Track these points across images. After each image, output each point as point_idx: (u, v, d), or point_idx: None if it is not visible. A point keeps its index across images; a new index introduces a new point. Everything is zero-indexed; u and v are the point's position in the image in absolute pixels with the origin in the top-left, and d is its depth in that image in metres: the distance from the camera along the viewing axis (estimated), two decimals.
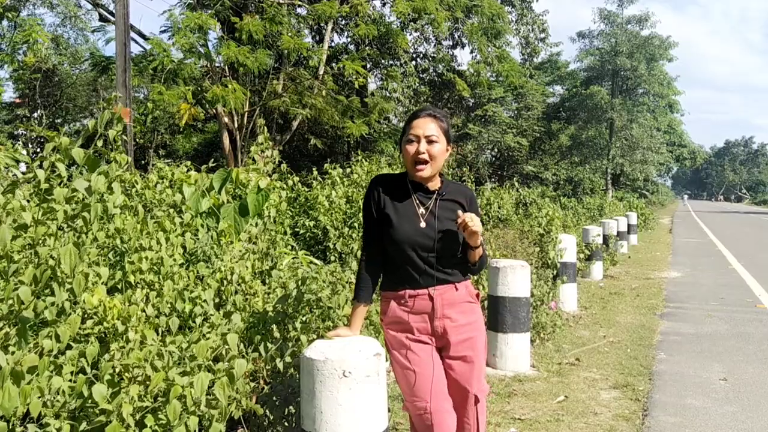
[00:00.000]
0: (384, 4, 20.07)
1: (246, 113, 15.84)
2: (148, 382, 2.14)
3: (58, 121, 28.20)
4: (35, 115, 27.02)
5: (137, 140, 25.96)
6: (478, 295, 2.61)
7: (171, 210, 3.90)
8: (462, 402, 2.51)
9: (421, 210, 2.45)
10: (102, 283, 2.63)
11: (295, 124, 17.08)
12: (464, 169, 16.32)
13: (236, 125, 16.43)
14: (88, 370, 2.38)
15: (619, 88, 32.82)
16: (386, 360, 3.89)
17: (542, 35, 27.01)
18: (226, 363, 2.28)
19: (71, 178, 2.48)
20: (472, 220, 2.34)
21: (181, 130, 21.25)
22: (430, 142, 2.40)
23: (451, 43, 23.88)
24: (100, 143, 2.44)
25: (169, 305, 2.79)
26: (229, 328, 2.66)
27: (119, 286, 2.96)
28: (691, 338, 6.14)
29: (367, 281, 2.53)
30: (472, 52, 22.58)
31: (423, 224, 2.43)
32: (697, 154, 53.42)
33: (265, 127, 4.95)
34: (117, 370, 2.18)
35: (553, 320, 6.15)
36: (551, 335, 6.04)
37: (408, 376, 2.48)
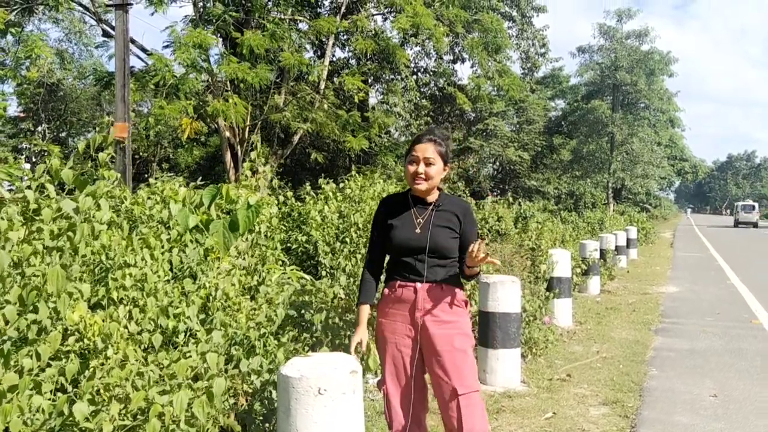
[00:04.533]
0: (385, 20, 20.24)
1: (247, 127, 15.93)
2: (128, 401, 2.17)
3: (62, 134, 28.40)
4: (39, 129, 27.24)
5: (140, 154, 26.16)
6: (466, 303, 2.87)
7: (160, 226, 3.93)
8: (444, 395, 2.75)
9: (419, 219, 2.81)
10: (84, 300, 2.66)
11: (296, 138, 17.17)
12: (458, 183, 16.34)
13: (237, 139, 16.53)
14: (69, 387, 2.40)
15: (620, 103, 32.92)
16: (365, 374, 3.89)
17: (542, 50, 27.19)
18: (205, 381, 2.30)
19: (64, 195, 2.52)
20: (480, 252, 2.59)
21: (183, 144, 21.40)
22: (428, 164, 2.76)
23: (451, 57, 24.05)
24: (89, 164, 2.48)
25: (151, 322, 2.82)
26: (210, 344, 2.69)
27: (103, 303, 2.99)
28: (684, 354, 6.13)
29: (368, 284, 2.91)
30: (472, 66, 22.73)
31: (418, 230, 2.79)
32: (699, 168, 53.54)
33: (260, 142, 5.00)
34: (97, 388, 2.20)
35: (546, 336, 6.15)
36: (544, 351, 6.03)
37: (382, 359, 2.87)
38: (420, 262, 2.77)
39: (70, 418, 2.02)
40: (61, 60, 29.93)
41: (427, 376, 2.88)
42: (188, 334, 3.21)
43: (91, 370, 2.33)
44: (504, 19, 24.33)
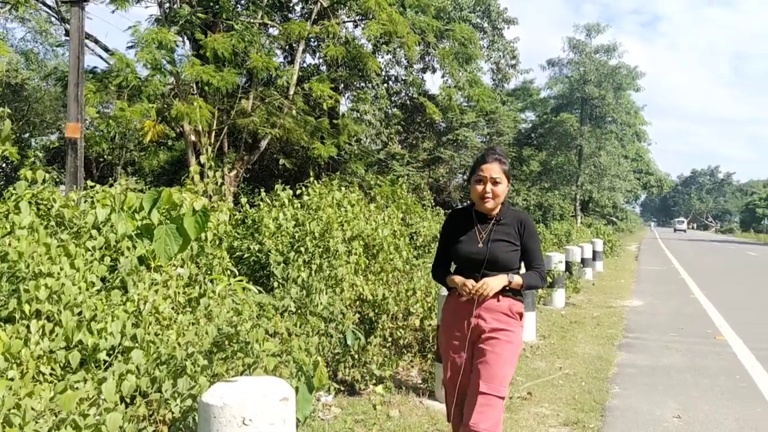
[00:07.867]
0: (356, 26, 20.06)
1: (214, 132, 15.55)
2: None
3: (26, 136, 27.57)
4: None
5: (105, 157, 25.47)
6: (521, 315, 3.08)
7: (94, 231, 3.64)
8: (472, 389, 2.95)
9: (481, 234, 3.05)
10: None
11: (263, 143, 16.84)
12: (425, 193, 16.20)
13: (203, 143, 16.11)
14: None
15: (588, 116, 33.20)
16: (316, 392, 3.59)
17: (513, 62, 27.29)
18: (98, 416, 2.01)
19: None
20: (482, 288, 2.92)
21: (146, 147, 20.88)
22: (495, 183, 3.00)
23: (422, 66, 23.99)
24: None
25: (64, 338, 2.53)
26: (129, 365, 2.42)
27: (16, 317, 2.69)
28: (647, 371, 6.00)
29: (438, 277, 3.25)
30: (443, 76, 22.68)
31: (480, 245, 3.03)
32: (664, 182, 54.29)
33: (209, 147, 4.73)
34: None
35: None
36: None
37: (444, 356, 3.17)
38: (480, 275, 2.99)
39: None
40: (26, 60, 29.20)
41: None
42: (119, 352, 2.93)
43: None
44: (475, 30, 24.35)
